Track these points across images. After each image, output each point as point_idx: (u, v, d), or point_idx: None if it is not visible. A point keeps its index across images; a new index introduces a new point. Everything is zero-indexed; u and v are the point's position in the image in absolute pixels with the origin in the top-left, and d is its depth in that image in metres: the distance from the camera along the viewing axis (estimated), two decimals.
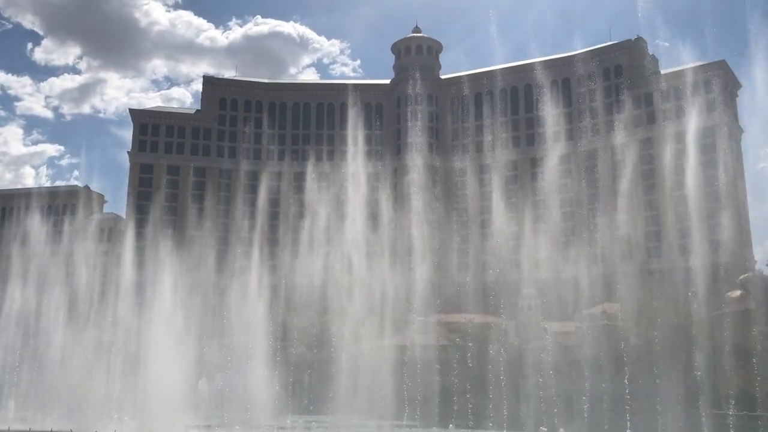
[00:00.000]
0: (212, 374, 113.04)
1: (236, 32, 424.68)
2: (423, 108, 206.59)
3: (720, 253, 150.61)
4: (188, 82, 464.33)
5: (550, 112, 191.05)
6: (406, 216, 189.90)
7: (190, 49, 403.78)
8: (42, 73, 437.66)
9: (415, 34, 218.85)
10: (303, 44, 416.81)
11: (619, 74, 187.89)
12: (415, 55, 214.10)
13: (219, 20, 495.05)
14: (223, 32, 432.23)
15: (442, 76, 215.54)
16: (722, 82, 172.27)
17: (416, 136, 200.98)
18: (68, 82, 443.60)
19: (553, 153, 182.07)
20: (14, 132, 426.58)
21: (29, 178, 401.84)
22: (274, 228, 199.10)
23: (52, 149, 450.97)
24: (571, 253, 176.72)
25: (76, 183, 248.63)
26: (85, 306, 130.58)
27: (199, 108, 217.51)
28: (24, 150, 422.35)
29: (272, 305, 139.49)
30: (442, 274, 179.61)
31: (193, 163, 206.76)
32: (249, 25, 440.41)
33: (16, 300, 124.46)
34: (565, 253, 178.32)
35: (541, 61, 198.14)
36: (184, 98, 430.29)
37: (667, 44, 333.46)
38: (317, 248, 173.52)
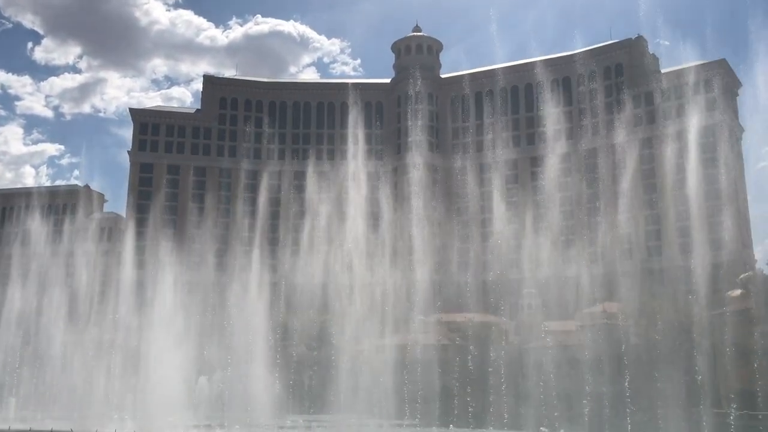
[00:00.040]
0: (212, 372, 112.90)
1: (236, 31, 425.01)
2: (423, 107, 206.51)
3: (720, 252, 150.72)
4: (188, 81, 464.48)
5: (551, 111, 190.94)
6: (407, 215, 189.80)
7: (190, 48, 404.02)
8: (42, 72, 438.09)
9: (415, 33, 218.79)
10: (303, 43, 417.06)
11: (620, 73, 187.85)
12: (416, 54, 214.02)
13: (219, 19, 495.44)
14: (224, 31, 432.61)
15: (443, 75, 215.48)
16: (723, 81, 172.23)
17: (416, 135, 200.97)
18: (68, 81, 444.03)
19: (554, 152, 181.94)
20: (14, 131, 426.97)
21: (29, 178, 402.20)
22: (274, 227, 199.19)
23: (52, 149, 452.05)
24: (571, 252, 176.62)
25: (76, 182, 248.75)
26: (86, 305, 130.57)
27: (200, 107, 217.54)
28: (24, 149, 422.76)
29: (272, 304, 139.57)
30: (442, 274, 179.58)
31: (193, 162, 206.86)
32: (249, 25, 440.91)
33: (16, 299, 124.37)
34: (566, 252, 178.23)
35: (541, 60, 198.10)
36: (185, 97, 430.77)
37: (667, 43, 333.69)
38: (317, 247, 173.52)
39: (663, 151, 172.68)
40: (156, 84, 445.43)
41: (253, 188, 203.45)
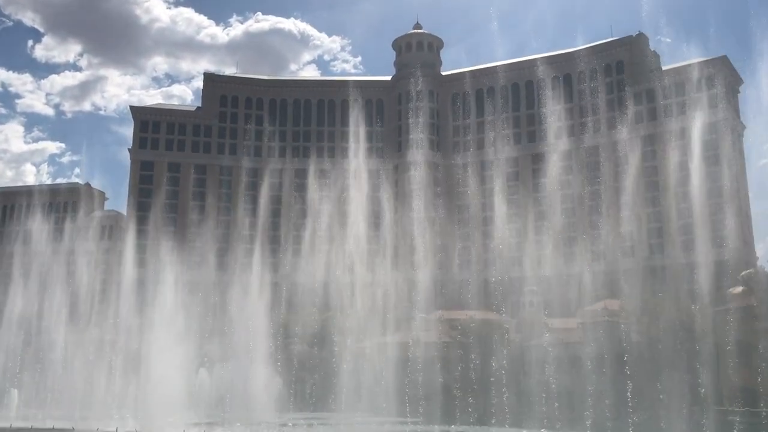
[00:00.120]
0: (212, 364, 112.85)
1: (237, 29, 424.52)
2: (424, 105, 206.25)
3: (722, 249, 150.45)
4: (189, 79, 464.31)
5: (552, 109, 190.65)
6: (408, 213, 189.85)
7: (190, 46, 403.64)
8: (43, 70, 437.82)
9: (416, 31, 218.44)
10: (304, 41, 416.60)
11: (621, 70, 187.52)
12: (416, 51, 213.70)
13: (220, 17, 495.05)
14: (224, 29, 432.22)
15: (443, 73, 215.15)
16: (724, 78, 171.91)
17: (417, 133, 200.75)
18: (69, 79, 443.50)
19: (555, 150, 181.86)
20: (15, 129, 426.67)
21: (30, 176, 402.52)
22: (275, 225, 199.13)
23: (53, 147, 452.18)
24: (573, 250, 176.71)
25: (77, 180, 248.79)
26: (87, 304, 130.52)
27: (200, 105, 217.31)
28: (25, 147, 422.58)
29: (273, 303, 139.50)
30: (443, 272, 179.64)
31: (193, 160, 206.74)
32: (250, 22, 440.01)
33: (17, 298, 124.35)
34: (567, 250, 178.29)
35: (542, 58, 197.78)
36: (185, 95, 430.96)
37: (668, 40, 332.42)
38: (318, 246, 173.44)
39: (664, 148, 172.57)
40: (156, 82, 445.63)
41: (254, 186, 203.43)
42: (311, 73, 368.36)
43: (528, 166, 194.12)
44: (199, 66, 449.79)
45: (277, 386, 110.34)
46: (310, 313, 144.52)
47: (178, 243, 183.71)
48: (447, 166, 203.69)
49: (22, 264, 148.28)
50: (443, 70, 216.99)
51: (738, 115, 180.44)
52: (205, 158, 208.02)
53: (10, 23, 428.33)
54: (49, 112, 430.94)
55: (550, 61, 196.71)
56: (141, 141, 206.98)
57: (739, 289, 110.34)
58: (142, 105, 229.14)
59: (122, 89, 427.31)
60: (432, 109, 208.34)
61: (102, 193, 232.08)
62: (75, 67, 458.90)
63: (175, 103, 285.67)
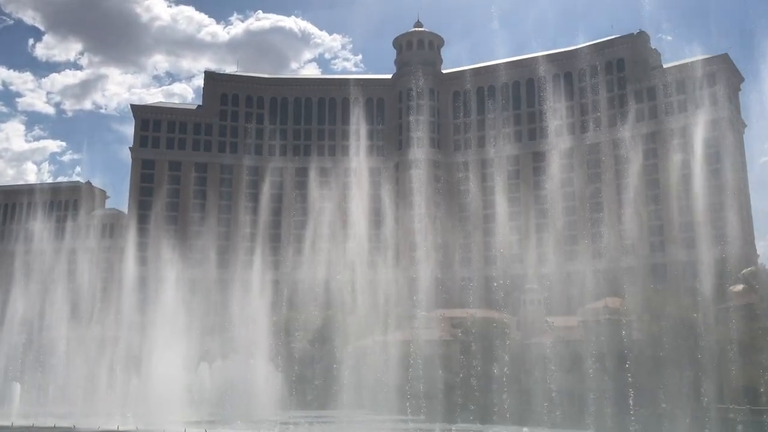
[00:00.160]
0: (213, 362, 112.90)
1: (237, 27, 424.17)
2: (425, 103, 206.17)
3: (723, 247, 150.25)
4: (189, 77, 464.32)
5: (552, 107, 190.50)
6: (408, 211, 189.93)
7: (191, 44, 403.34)
8: (43, 69, 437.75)
9: (416, 29, 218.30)
10: (304, 39, 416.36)
11: (622, 68, 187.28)
12: (417, 49, 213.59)
13: (220, 15, 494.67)
14: (225, 27, 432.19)
15: (444, 71, 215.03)
16: (725, 76, 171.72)
17: (418, 131, 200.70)
18: (69, 78, 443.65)
19: (556, 147, 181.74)
20: (16, 128, 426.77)
21: (31, 174, 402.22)
22: (276, 223, 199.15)
23: (53, 145, 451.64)
24: (573, 247, 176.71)
25: (78, 179, 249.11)
26: (88, 302, 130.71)
27: (201, 103, 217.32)
28: (26, 146, 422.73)
29: (274, 300, 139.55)
30: (444, 270, 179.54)
31: (194, 158, 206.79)
32: (250, 20, 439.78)
33: (19, 296, 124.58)
34: (568, 247, 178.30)
35: (542, 56, 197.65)
36: (186, 94, 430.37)
37: (669, 38, 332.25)
38: (319, 244, 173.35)
39: (665, 146, 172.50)
40: (157, 80, 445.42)
41: (255, 185, 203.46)
42: (312, 72, 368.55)
43: (529, 164, 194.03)
44: (200, 64, 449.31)
45: (278, 384, 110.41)
46: (311, 311, 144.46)
47: (179, 241, 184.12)
48: (448, 164, 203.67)
49: (24, 262, 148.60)
50: (444, 68, 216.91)
51: (739, 113, 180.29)
52: (205, 157, 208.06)
53: (11, 22, 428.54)
54: (50, 110, 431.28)
55: (551, 59, 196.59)
56: (142, 139, 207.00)
57: (740, 287, 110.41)
58: (143, 103, 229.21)
59: (123, 88, 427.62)
60: (433, 108, 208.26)
61: (103, 192, 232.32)
62: (76, 66, 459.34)
63: (175, 101, 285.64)
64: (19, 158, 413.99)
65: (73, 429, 76.88)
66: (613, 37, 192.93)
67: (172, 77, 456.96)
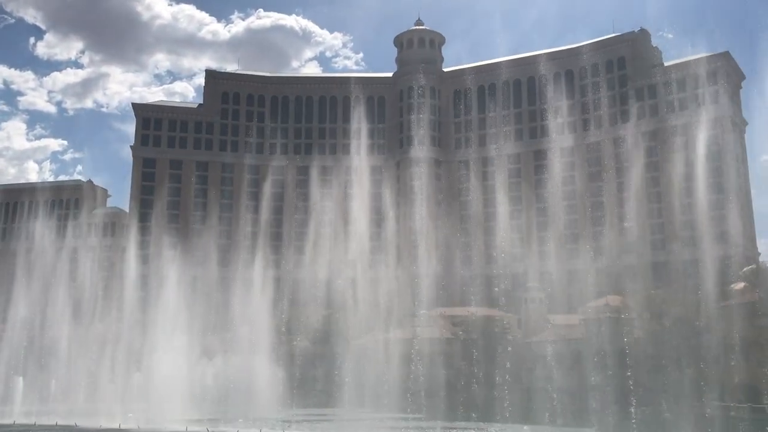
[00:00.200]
0: (214, 358, 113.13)
1: (238, 26, 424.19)
2: (426, 101, 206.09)
3: (724, 245, 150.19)
4: (190, 76, 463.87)
5: (553, 105, 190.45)
6: (410, 210, 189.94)
7: (192, 43, 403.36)
8: (44, 67, 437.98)
9: (417, 27, 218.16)
10: (305, 37, 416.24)
11: (623, 66, 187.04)
12: (418, 47, 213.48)
13: (221, 14, 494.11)
14: (226, 26, 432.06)
15: (445, 69, 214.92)
16: (726, 74, 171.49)
17: (419, 130, 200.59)
18: (71, 76, 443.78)
19: (557, 146, 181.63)
20: (17, 127, 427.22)
21: (33, 173, 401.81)
22: (277, 222, 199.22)
23: (55, 144, 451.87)
24: (575, 246, 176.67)
25: (79, 178, 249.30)
26: (90, 300, 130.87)
27: (202, 102, 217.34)
28: (27, 145, 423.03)
29: (276, 299, 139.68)
30: (445, 268, 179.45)
31: (195, 157, 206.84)
32: (251, 19, 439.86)
33: (22, 295, 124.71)
34: (569, 246, 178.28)
35: (543, 54, 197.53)
36: (187, 92, 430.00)
37: (670, 36, 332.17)
38: (320, 242, 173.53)
39: (666, 144, 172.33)
40: (158, 79, 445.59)
41: (256, 183, 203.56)
42: (313, 70, 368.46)
43: (530, 163, 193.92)
44: (201, 63, 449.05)
45: (280, 382, 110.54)
46: (312, 309, 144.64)
47: (181, 240, 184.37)
48: (449, 162, 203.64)
49: (26, 261, 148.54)
50: (445, 66, 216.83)
51: (740, 111, 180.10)
52: (207, 155, 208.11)
53: (12, 21, 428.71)
54: (51, 109, 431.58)
55: (552, 57, 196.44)
56: (143, 138, 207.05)
57: (741, 285, 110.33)
58: (144, 102, 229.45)
59: (124, 86, 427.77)
60: (433, 106, 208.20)
61: (104, 191, 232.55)
62: (77, 65, 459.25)
63: (176, 100, 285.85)
64: (21, 157, 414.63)
65: (75, 427, 77.05)
66: (614, 35, 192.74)
67: (173, 76, 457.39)
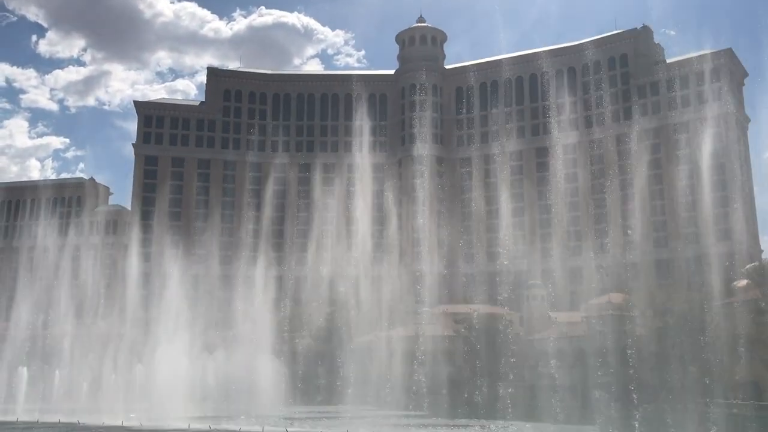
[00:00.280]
0: (216, 355, 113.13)
1: (240, 23, 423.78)
2: (427, 98, 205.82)
3: (727, 242, 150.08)
4: (192, 73, 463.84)
5: (556, 102, 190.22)
6: (412, 207, 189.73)
7: (194, 40, 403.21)
8: (46, 65, 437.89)
9: (419, 24, 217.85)
10: (307, 35, 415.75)
11: (625, 63, 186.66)
12: (420, 45, 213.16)
13: (223, 11, 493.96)
14: (227, 23, 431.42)
15: (447, 67, 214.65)
16: (729, 70, 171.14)
17: (421, 127, 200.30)
18: (73, 74, 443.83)
19: (559, 143, 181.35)
20: (19, 124, 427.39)
21: (35, 171, 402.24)
22: (279, 220, 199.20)
23: (57, 142, 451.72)
24: (577, 243, 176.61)
25: (81, 175, 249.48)
26: (92, 298, 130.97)
27: (204, 100, 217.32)
28: (29, 142, 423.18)
29: (278, 296, 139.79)
30: (448, 265, 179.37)
31: (197, 155, 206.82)
32: (253, 16, 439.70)
33: (24, 293, 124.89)
34: (572, 243, 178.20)
35: (546, 51, 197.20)
36: (189, 90, 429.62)
37: (673, 33, 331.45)
38: (323, 240, 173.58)
39: (669, 141, 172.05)
40: (160, 76, 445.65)
41: (258, 181, 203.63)
42: (315, 67, 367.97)
43: (532, 160, 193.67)
44: (203, 60, 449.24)
45: (283, 380, 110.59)
46: (314, 307, 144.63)
47: (183, 237, 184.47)
48: (451, 160, 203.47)
49: (28, 259, 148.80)
50: (447, 63, 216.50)
51: (743, 108, 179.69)
52: (209, 153, 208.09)
53: (14, 18, 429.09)
54: (53, 107, 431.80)
55: (554, 54, 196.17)
56: (145, 136, 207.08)
57: (744, 282, 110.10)
58: (146, 100, 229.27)
59: (126, 84, 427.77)
60: (435, 103, 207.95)
61: (106, 188, 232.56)
62: (79, 62, 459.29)
63: (178, 97, 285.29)
64: (23, 155, 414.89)
65: (78, 425, 77.06)
66: (616, 32, 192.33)
67: (175, 73, 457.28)
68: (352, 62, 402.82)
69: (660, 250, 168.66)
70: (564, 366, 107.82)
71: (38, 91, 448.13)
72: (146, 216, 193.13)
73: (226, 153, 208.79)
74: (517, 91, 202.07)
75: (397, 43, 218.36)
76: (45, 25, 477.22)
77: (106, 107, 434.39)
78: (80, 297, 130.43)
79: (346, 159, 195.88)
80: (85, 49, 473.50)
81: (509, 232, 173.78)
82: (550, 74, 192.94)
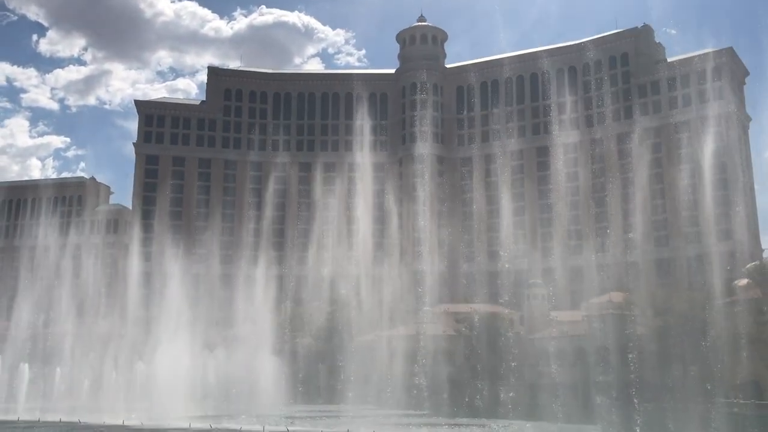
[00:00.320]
0: (217, 354, 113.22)
1: (241, 22, 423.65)
2: (428, 98, 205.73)
3: (728, 241, 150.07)
4: (193, 73, 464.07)
5: (556, 101, 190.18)
6: (412, 206, 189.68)
7: (194, 39, 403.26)
8: (47, 64, 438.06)
9: (420, 23, 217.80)
10: (308, 34, 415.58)
11: (626, 62, 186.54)
12: (420, 44, 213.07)
13: (223, 10, 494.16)
14: (228, 22, 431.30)
15: (448, 66, 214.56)
16: (730, 69, 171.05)
17: (422, 126, 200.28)
18: (73, 73, 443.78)
19: (560, 142, 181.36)
20: (20, 124, 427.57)
21: (35, 170, 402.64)
22: (280, 219, 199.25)
23: (58, 141, 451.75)
24: (578, 242, 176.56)
25: (82, 175, 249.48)
26: (93, 297, 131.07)
27: (204, 99, 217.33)
28: (30, 142, 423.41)
29: (279, 296, 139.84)
30: (448, 264, 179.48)
31: (198, 154, 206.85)
32: (254, 15, 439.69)
33: (25, 292, 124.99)
34: (573, 242, 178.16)
35: (546, 50, 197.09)
36: (189, 89, 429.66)
37: (673, 32, 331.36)
38: (323, 239, 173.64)
39: (670, 140, 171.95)
40: (161, 76, 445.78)
41: (259, 180, 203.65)
42: (315, 67, 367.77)
43: (533, 159, 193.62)
44: (204, 60, 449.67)
45: (284, 379, 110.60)
46: (315, 306, 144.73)
47: (183, 237, 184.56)
48: (452, 159, 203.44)
49: (29, 258, 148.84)
50: (447, 62, 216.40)
51: (744, 107, 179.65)
52: (209, 152, 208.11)
53: (15, 18, 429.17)
54: (54, 106, 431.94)
55: (555, 53, 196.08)
56: (146, 135, 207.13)
57: (745, 281, 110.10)
58: (147, 99, 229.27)
59: (127, 83, 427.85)
60: (436, 102, 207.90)
61: (107, 188, 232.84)
62: (79, 62, 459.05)
63: (179, 97, 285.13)
64: (24, 154, 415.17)
65: (79, 424, 77.07)
66: (617, 31, 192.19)
67: (176, 73, 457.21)
68: (352, 61, 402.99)
69: (661, 250, 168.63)
70: (565, 365, 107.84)
71: (39, 90, 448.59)
72: (147, 215, 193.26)
73: (227, 152, 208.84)
74: (518, 90, 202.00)
75: (398, 42, 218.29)
76: (45, 24, 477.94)
77: (106, 106, 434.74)
78: (81, 296, 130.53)
79: (347, 158, 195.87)
80: (85, 49, 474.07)
81: (510, 232, 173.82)
82: (550, 73, 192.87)
